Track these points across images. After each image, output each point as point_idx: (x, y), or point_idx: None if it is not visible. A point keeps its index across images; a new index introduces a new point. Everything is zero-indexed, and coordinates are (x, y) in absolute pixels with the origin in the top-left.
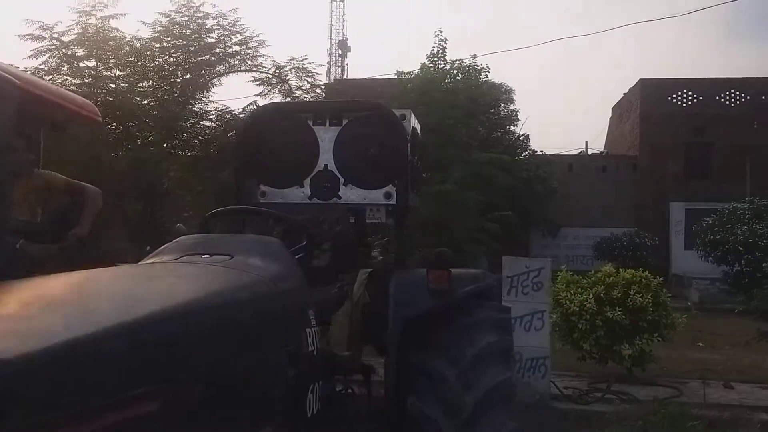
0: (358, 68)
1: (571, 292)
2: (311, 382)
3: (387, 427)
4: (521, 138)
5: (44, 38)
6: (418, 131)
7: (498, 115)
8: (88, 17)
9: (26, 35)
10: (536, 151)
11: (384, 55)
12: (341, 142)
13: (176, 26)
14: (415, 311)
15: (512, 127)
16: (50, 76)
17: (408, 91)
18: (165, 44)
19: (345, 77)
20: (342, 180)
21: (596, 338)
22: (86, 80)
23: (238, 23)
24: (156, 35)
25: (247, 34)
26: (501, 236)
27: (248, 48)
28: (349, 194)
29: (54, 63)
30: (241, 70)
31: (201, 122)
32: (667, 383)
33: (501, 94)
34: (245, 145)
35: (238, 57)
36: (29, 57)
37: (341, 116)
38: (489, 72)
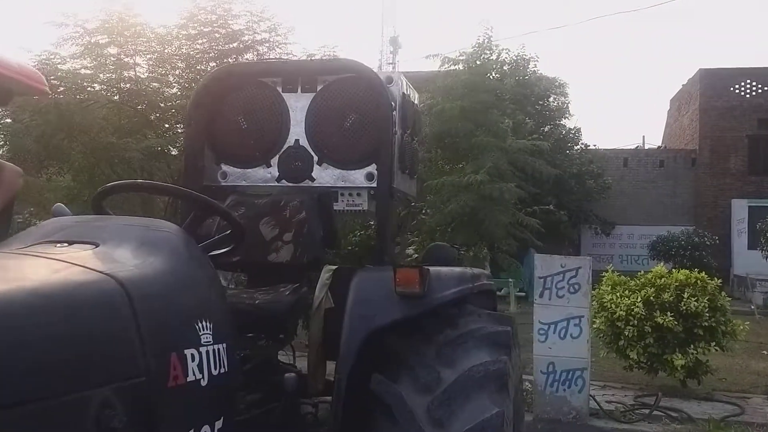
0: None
1: (618, 295)
2: (195, 422)
3: None
4: (572, 131)
5: (68, 25)
6: (414, 100)
7: (548, 107)
8: (113, 3)
9: (49, 22)
10: (589, 145)
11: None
12: (315, 111)
13: (202, 12)
14: (377, 321)
15: (563, 121)
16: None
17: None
18: (191, 31)
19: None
20: (316, 158)
21: (645, 346)
22: (110, 68)
23: (267, 9)
24: (183, 21)
25: (276, 20)
26: (543, 233)
27: (277, 34)
28: (324, 175)
29: (78, 51)
30: (270, 59)
31: None
32: (727, 399)
33: (553, 86)
34: (200, 117)
35: (267, 44)
36: (53, 44)
37: (315, 80)
38: (538, 61)
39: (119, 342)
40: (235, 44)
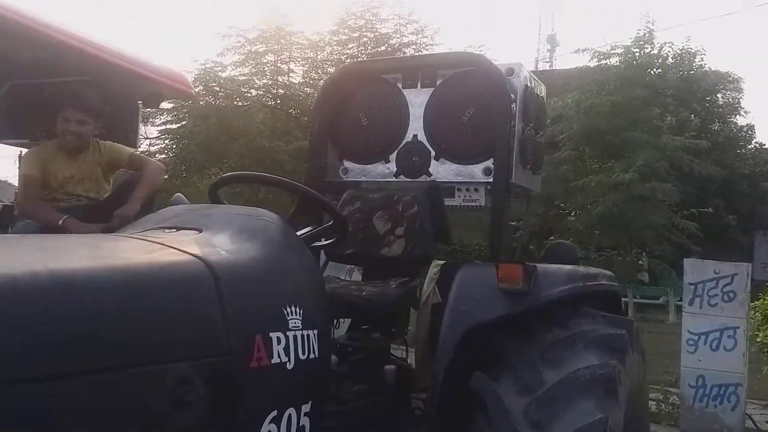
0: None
1: None
2: (279, 403)
3: None
4: (745, 129)
5: (231, 36)
6: (539, 93)
7: (716, 104)
8: (272, 14)
9: (216, 33)
10: (764, 144)
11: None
12: (433, 106)
13: (351, 17)
14: (477, 317)
15: (735, 118)
16: (230, 71)
17: (606, 78)
18: (341, 36)
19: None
20: (433, 153)
21: None
22: (267, 74)
23: (415, 11)
24: (334, 28)
25: (423, 22)
26: (701, 238)
27: (424, 36)
28: (441, 170)
29: (239, 59)
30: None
31: None
32: None
33: (723, 81)
34: (324, 115)
35: (414, 46)
36: (218, 54)
37: (435, 75)
38: (705, 54)
39: (202, 321)
40: (383, 47)
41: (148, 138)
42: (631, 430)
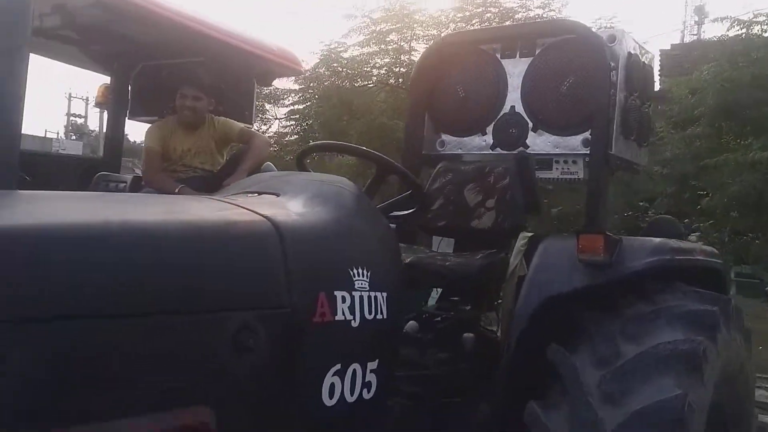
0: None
1: None
2: (343, 358)
3: None
4: None
5: (356, 17)
6: (645, 62)
7: None
8: None
9: (345, 15)
10: None
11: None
12: (531, 76)
13: None
14: (555, 288)
15: None
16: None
17: (748, 49)
18: (465, 13)
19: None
20: (530, 124)
21: None
22: (390, 54)
23: None
24: (458, 4)
25: None
26: None
27: (551, 9)
28: (539, 142)
29: (364, 39)
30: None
31: None
32: None
33: None
34: (421, 87)
35: (543, 18)
36: (344, 36)
37: (534, 44)
38: None
39: (265, 276)
40: (508, 22)
41: (277, 119)
42: (730, 415)
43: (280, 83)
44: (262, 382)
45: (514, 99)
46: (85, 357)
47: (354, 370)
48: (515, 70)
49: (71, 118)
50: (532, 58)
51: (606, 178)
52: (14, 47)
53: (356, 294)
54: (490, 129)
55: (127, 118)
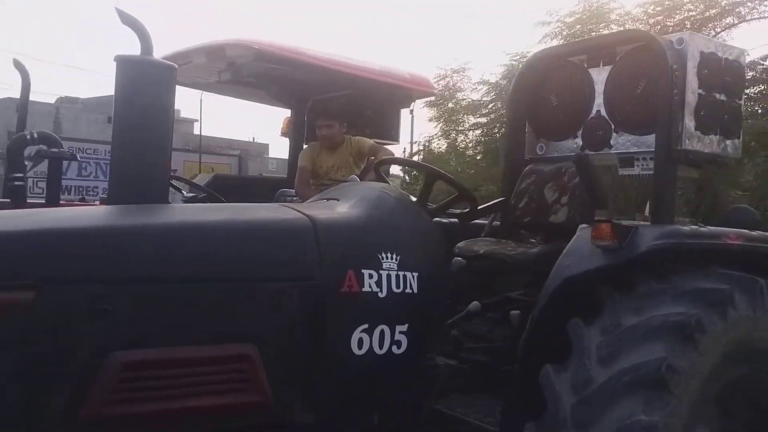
0: None
1: None
2: (370, 320)
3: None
4: None
5: (551, 23)
6: (728, 57)
7: None
8: None
9: (537, 23)
10: None
11: None
12: (612, 82)
13: None
14: (574, 270)
15: None
16: None
17: None
18: (667, 3)
19: None
20: (613, 126)
21: None
22: None
23: None
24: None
25: None
26: None
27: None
28: (621, 141)
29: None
30: (754, 18)
31: None
32: None
33: None
34: (520, 98)
35: (749, 4)
36: (539, 42)
37: (615, 53)
38: None
39: (300, 257)
40: (713, 11)
41: (470, 129)
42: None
43: (477, 94)
44: (296, 332)
45: (599, 104)
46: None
47: (382, 330)
48: (599, 77)
49: None
50: (612, 66)
51: (671, 172)
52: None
53: (383, 272)
54: (580, 132)
55: (304, 143)
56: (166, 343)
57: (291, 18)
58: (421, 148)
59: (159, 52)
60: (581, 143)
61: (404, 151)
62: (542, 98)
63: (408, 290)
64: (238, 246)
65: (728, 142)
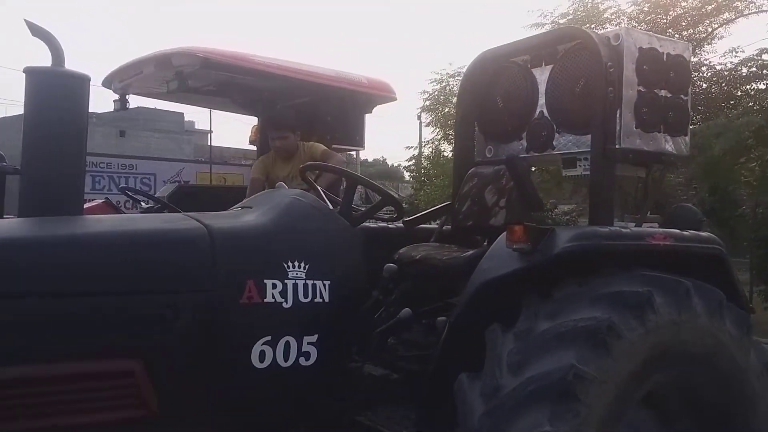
0: None
1: None
2: (273, 332)
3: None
4: None
5: (545, 24)
6: (670, 52)
7: None
8: None
9: (531, 24)
10: None
11: None
12: (553, 81)
13: None
14: (491, 274)
15: None
16: None
17: None
18: (657, 2)
19: None
20: (555, 127)
21: None
22: None
23: None
24: None
25: None
26: None
27: None
28: (563, 141)
29: None
30: (752, 12)
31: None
32: None
33: None
34: (467, 100)
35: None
36: None
37: (556, 52)
38: None
39: (192, 268)
40: (710, 7)
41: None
42: (714, 400)
43: None
44: (189, 345)
45: (542, 105)
46: (52, 318)
47: (287, 342)
48: (542, 77)
49: None
50: (553, 66)
51: (607, 172)
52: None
53: (290, 282)
54: (525, 134)
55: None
56: (44, 359)
57: (288, 22)
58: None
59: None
60: (526, 145)
61: (412, 156)
62: (489, 100)
63: (318, 299)
64: (124, 258)
65: (674, 139)
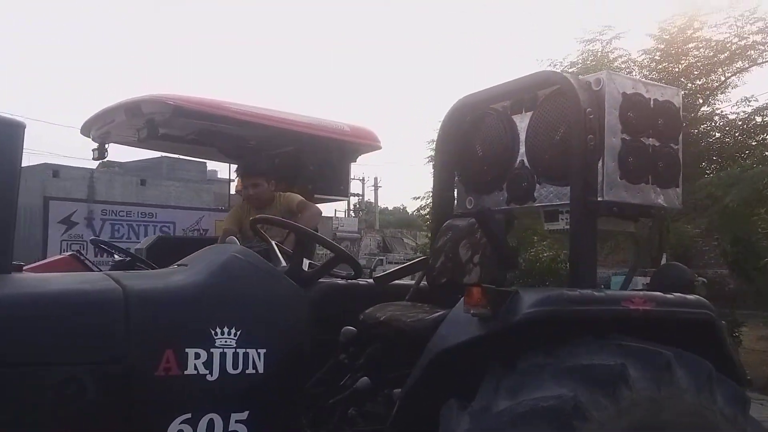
0: None
1: None
2: (194, 408)
3: None
4: None
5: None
6: (657, 98)
7: None
8: (591, 44)
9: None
10: None
11: None
12: (532, 129)
13: (673, 30)
14: (450, 341)
15: None
16: None
17: None
18: (672, 51)
19: None
20: (535, 177)
21: None
22: None
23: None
24: (658, 45)
25: None
26: None
27: None
28: (544, 192)
29: None
30: (765, 61)
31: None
32: None
33: None
34: (445, 149)
35: (759, 47)
36: None
37: (536, 98)
38: None
39: (102, 335)
40: (723, 55)
41: None
42: None
43: None
44: (96, 423)
45: (522, 153)
46: None
47: (211, 420)
48: (522, 124)
49: (351, 196)
50: (532, 112)
51: (587, 226)
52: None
53: (216, 351)
54: (505, 185)
55: None
56: None
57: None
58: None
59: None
60: (507, 196)
61: (420, 207)
62: (468, 148)
63: (250, 370)
64: (22, 324)
65: (665, 191)
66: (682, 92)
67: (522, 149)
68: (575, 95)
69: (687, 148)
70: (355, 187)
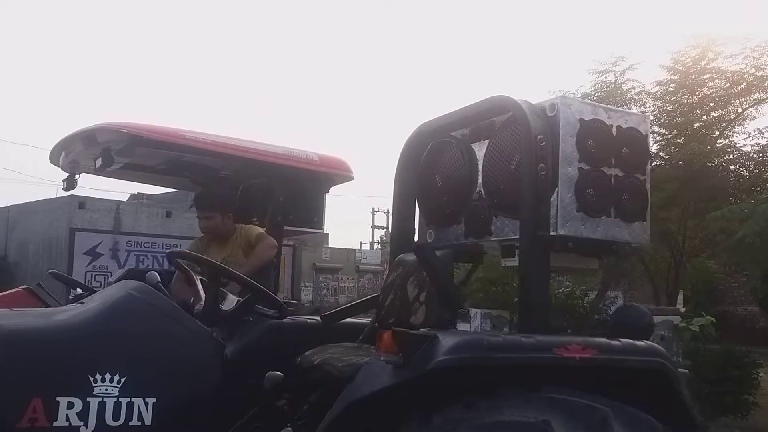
0: None
1: None
2: None
3: None
4: None
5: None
6: (621, 126)
7: None
8: (604, 75)
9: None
10: None
11: None
12: (488, 158)
13: (687, 60)
14: (363, 390)
15: None
16: None
17: None
18: (683, 83)
19: None
20: (492, 209)
21: None
22: None
23: None
24: (672, 77)
25: None
26: None
27: None
28: (501, 226)
29: None
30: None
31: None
32: None
33: None
34: (404, 178)
35: None
36: None
37: (494, 125)
38: None
39: None
40: (740, 87)
41: None
42: None
43: None
44: None
45: (480, 184)
46: None
47: None
48: (481, 153)
49: (375, 229)
50: (489, 140)
51: (536, 264)
52: None
53: (94, 400)
54: (463, 217)
55: None
56: None
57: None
58: None
59: None
60: (465, 229)
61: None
62: (427, 179)
63: (134, 422)
64: None
65: (629, 225)
66: (697, 124)
67: (481, 180)
68: (526, 121)
69: (703, 182)
70: (379, 219)
